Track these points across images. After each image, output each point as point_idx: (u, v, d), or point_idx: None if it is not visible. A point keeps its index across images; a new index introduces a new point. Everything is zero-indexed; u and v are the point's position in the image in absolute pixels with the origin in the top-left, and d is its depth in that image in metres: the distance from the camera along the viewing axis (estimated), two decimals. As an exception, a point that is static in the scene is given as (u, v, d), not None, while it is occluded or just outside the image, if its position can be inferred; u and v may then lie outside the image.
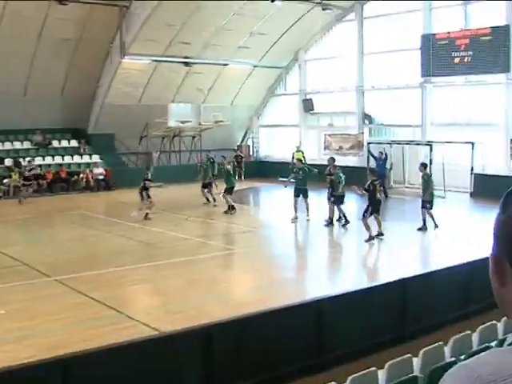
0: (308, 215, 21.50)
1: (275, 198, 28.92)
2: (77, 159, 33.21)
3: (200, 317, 10.32)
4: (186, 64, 33.94)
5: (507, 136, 27.52)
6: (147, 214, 22.27)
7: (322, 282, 14.31)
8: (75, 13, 28.94)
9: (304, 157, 33.01)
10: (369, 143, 32.01)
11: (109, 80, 32.63)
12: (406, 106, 32.23)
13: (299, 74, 37.95)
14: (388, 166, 28.74)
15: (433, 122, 30.96)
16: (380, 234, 17.72)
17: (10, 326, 10.44)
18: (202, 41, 33.02)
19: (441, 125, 30.63)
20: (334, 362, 9.01)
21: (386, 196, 26.87)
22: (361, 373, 6.34)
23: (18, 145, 32.44)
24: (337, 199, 20.29)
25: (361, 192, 18.27)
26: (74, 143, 34.02)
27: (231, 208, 23.04)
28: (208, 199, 25.34)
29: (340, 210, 20.48)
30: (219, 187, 24.65)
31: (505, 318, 1.37)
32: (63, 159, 32.81)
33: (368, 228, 17.31)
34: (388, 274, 12.17)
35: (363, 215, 17.70)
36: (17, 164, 30.19)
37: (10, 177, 29.31)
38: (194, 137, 37.18)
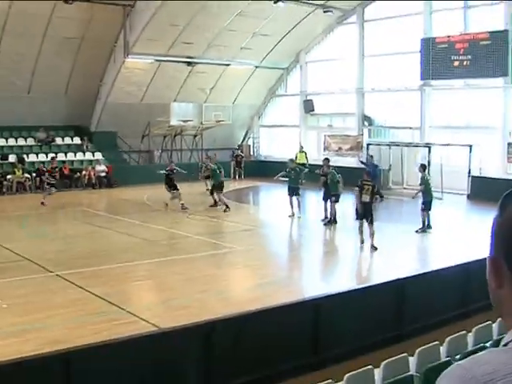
0: (299, 213, 22.01)
1: (274, 197, 29.00)
2: (79, 156, 33.43)
3: (200, 314, 10.43)
4: (189, 64, 34.08)
5: (504, 139, 27.69)
6: (182, 204, 23.22)
7: (319, 280, 14.46)
8: (80, 12, 29.06)
9: (307, 158, 33.18)
10: (368, 144, 32.14)
11: (112, 79, 32.76)
12: (405, 108, 32.38)
13: (300, 75, 38.08)
14: (380, 166, 28.89)
15: (431, 125, 31.10)
16: (362, 241, 16.90)
17: (11, 320, 10.53)
18: (204, 41, 33.15)
19: (439, 127, 30.78)
20: (331, 361, 9.09)
21: (381, 197, 27.02)
22: (357, 371, 6.41)
23: (21, 141, 32.67)
24: (337, 198, 20.51)
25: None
26: (76, 140, 34.18)
27: (226, 206, 23.27)
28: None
29: (333, 209, 20.73)
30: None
31: (500, 318, 1.45)
32: (66, 156, 33.00)
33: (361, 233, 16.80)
34: (385, 274, 12.27)
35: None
36: (20, 160, 30.38)
37: (14, 173, 29.46)
38: (195, 136, 37.29)
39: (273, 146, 40.27)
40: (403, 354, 7.02)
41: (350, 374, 6.36)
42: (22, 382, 7.08)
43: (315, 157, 34.98)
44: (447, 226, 20.77)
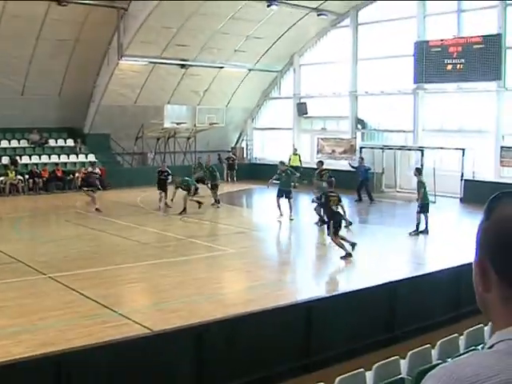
0: (291, 215, 22.01)
1: (267, 200, 29.00)
2: (73, 158, 33.37)
3: (192, 316, 10.46)
4: (183, 66, 34.11)
5: (497, 143, 27.80)
6: (198, 201, 23.59)
7: (312, 283, 14.48)
8: (73, 14, 29.01)
9: (301, 160, 33.24)
10: (361, 148, 32.21)
11: (106, 81, 32.74)
12: (398, 111, 32.48)
13: (294, 78, 38.15)
14: (372, 170, 28.99)
15: (424, 128, 31.22)
16: (348, 254, 15.97)
17: (3, 322, 10.51)
18: (198, 44, 33.19)
19: (432, 131, 30.91)
20: (323, 363, 9.10)
21: (371, 200, 27.24)
22: (349, 374, 6.42)
23: (15, 143, 32.64)
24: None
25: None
26: (70, 143, 34.16)
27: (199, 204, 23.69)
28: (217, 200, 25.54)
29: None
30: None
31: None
32: (59, 158, 32.98)
33: (341, 246, 16.11)
34: (378, 277, 12.30)
35: (328, 234, 16.71)
36: (13, 162, 30.34)
37: (7, 175, 29.42)
38: (188, 138, 37.30)
39: (266, 149, 40.31)
40: (395, 357, 7.04)
41: (342, 376, 6.37)
42: (14, 384, 7.06)
43: (308, 160, 35.08)
44: (440, 229, 20.81)
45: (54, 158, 32.73)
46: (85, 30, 30.40)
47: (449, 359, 6.72)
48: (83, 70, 31.98)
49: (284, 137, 38.58)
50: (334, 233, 16.09)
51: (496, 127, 27.92)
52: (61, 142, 34.10)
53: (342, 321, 9.75)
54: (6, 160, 30.85)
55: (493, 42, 26.87)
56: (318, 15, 33.09)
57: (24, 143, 32.85)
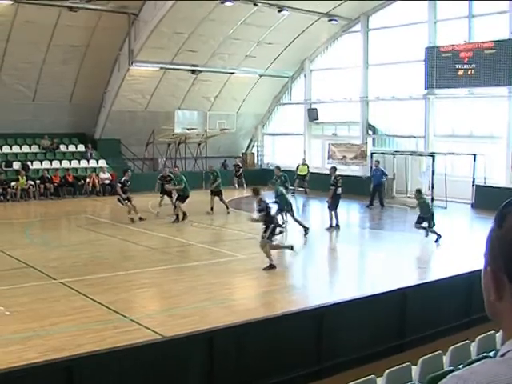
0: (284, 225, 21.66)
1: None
2: (83, 164, 33.49)
3: (203, 322, 10.46)
4: (193, 72, 34.17)
5: (509, 148, 27.67)
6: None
7: (323, 289, 14.42)
8: (85, 20, 29.21)
9: (309, 170, 33.07)
10: (372, 153, 32.16)
11: (117, 86, 32.85)
12: (409, 117, 32.40)
13: (304, 83, 38.13)
14: (387, 173, 28.94)
15: (436, 134, 31.13)
16: (272, 266, 15.35)
17: (14, 327, 10.54)
18: (209, 49, 33.25)
19: (443, 136, 30.81)
20: (334, 370, 9.09)
21: (382, 205, 27.20)
22: (359, 380, 6.40)
23: (26, 149, 32.76)
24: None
25: None
26: (81, 148, 34.27)
27: (183, 215, 23.08)
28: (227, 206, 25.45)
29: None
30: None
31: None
32: (70, 163, 33.10)
33: (268, 254, 15.59)
34: (389, 283, 12.25)
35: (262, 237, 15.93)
36: (24, 167, 30.46)
37: (18, 180, 29.53)
38: (199, 144, 37.34)
39: (277, 155, 40.27)
40: (406, 363, 7.00)
41: (353, 383, 6.34)
42: (25, 389, 7.07)
43: (319, 165, 35.06)
44: (451, 235, 20.73)
45: (65, 164, 32.86)
46: (96, 36, 30.55)
47: (460, 366, 6.69)
48: (94, 75, 32.11)
49: (295, 142, 38.57)
50: (269, 237, 15.60)
51: (507, 132, 27.80)
52: (72, 148, 34.24)
53: (353, 327, 9.72)
54: (17, 165, 31.01)
55: (504, 47, 26.74)
56: (329, 20, 33.16)
57: (35, 148, 33.00)
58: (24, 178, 29.58)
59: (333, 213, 21.41)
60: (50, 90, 31.50)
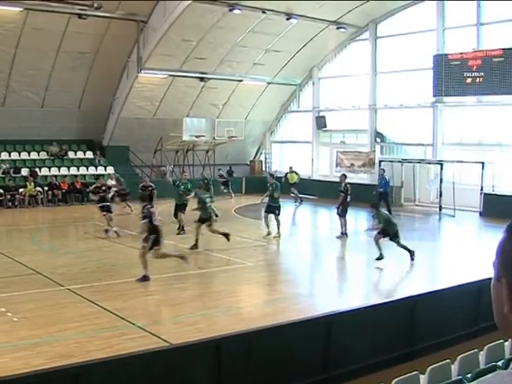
0: (278, 232, 21.45)
1: (285, 213, 28.99)
2: (92, 171, 33.56)
3: (209, 330, 10.44)
4: (202, 79, 34.24)
5: (517, 157, 27.61)
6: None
7: (331, 297, 14.38)
8: (93, 27, 29.34)
9: (299, 178, 33.00)
10: (380, 161, 32.13)
11: (125, 93, 32.97)
12: (417, 124, 32.38)
13: (313, 91, 38.19)
14: (389, 183, 28.83)
15: (444, 142, 31.10)
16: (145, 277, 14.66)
17: (22, 333, 10.54)
18: (217, 57, 33.34)
19: (452, 144, 30.78)
20: (342, 378, 9.05)
21: (390, 213, 27.07)
22: (368, 388, 6.42)
23: (34, 155, 32.90)
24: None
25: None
26: (89, 155, 34.38)
27: (182, 228, 22.50)
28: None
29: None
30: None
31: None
32: (78, 170, 33.21)
33: (145, 264, 14.68)
34: (397, 292, 12.22)
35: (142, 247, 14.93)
36: (32, 174, 30.56)
37: (26, 186, 29.62)
38: (207, 151, 37.40)
39: (285, 162, 40.25)
40: (414, 372, 6.96)
41: (361, 391, 6.32)
42: (32, 396, 7.07)
43: (327, 173, 35.07)
44: (459, 243, 20.66)
45: (73, 170, 32.98)
46: (104, 43, 30.68)
47: (468, 375, 6.66)
48: (103, 82, 32.24)
49: (303, 150, 38.59)
50: (149, 248, 14.73)
51: (516, 141, 27.74)
52: (80, 154, 34.35)
53: (361, 335, 9.68)
54: (25, 172, 31.11)
55: (513, 56, 26.73)
56: (337, 28, 33.23)
57: (43, 155, 33.14)
58: (32, 184, 29.69)
59: (342, 220, 21.40)
60: (59, 97, 31.64)
